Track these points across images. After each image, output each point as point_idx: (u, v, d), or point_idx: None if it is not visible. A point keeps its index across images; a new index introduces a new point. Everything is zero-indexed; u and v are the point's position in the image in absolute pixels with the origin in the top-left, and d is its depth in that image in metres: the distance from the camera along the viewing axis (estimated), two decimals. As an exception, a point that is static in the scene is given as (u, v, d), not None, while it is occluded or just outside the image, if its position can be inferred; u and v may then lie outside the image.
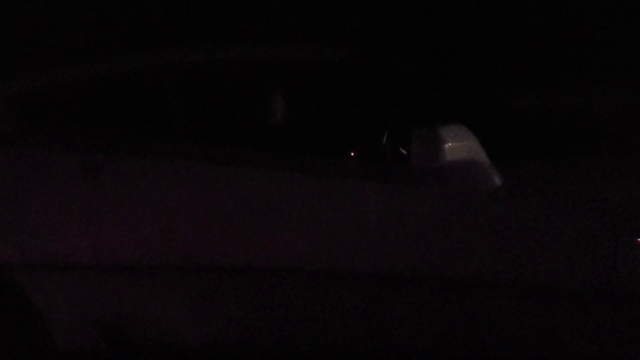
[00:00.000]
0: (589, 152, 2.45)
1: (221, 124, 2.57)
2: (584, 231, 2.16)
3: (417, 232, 2.21)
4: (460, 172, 2.16)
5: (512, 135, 2.57)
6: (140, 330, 2.40)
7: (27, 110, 2.57)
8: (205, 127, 2.56)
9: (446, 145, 2.10)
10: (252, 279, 2.32)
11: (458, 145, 2.12)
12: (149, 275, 2.35)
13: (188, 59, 2.68)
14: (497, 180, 2.20)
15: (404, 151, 2.30)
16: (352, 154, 2.42)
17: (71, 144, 2.42)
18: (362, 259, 2.24)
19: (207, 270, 2.32)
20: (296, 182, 2.29)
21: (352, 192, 2.26)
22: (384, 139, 2.42)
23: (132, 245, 2.33)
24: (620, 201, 2.20)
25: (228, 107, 2.61)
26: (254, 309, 2.34)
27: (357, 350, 2.31)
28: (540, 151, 2.42)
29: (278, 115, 2.68)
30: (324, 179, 2.28)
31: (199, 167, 2.34)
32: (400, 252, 2.21)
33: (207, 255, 2.31)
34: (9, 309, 2.42)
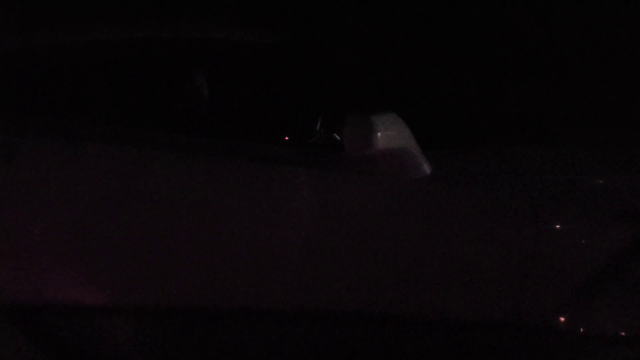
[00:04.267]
0: (514, 143, 2.52)
1: (147, 106, 2.48)
2: (508, 218, 2.24)
3: (349, 219, 2.23)
4: (392, 160, 2.20)
5: (442, 125, 2.62)
6: None
7: None
8: (129, 109, 2.46)
9: (378, 134, 2.12)
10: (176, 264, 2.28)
11: (390, 133, 2.14)
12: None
13: (110, 36, 2.55)
14: (427, 169, 2.25)
15: (338, 137, 2.31)
16: (286, 138, 2.41)
17: None
18: (294, 247, 2.25)
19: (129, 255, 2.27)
20: (227, 168, 2.26)
21: (285, 179, 2.26)
22: (318, 125, 2.43)
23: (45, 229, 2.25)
24: (542, 190, 2.29)
25: (155, 89, 2.52)
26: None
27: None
28: (468, 141, 2.48)
29: (209, 99, 2.57)
30: (256, 165, 2.26)
31: (119, 150, 2.27)
32: (331, 239, 2.24)
33: (130, 242, 2.25)
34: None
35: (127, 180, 2.23)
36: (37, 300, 2.29)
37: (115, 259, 2.25)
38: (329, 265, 2.24)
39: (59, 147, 2.27)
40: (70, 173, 2.25)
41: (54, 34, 2.54)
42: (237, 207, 2.24)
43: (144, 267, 2.25)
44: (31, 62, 2.48)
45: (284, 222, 2.24)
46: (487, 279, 2.25)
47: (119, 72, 2.51)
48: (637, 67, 4.31)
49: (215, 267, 2.24)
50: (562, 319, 2.26)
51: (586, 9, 4.54)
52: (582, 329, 2.26)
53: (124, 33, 2.57)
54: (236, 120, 2.49)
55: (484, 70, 4.29)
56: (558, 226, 2.25)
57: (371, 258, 2.24)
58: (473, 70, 4.22)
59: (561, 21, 4.56)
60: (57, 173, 2.25)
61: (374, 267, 2.24)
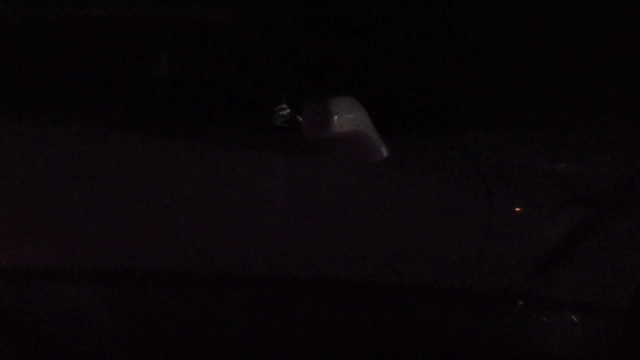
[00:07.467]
0: (471, 126, 2.56)
1: (106, 85, 2.44)
2: (462, 201, 2.30)
3: (309, 201, 2.25)
4: (349, 143, 2.22)
5: (399, 108, 2.65)
6: None
7: None
8: (89, 88, 2.41)
9: (335, 117, 2.13)
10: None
11: (347, 117, 2.16)
12: None
13: (70, 13, 2.48)
14: (384, 152, 2.29)
15: (300, 119, 2.33)
16: (249, 118, 2.41)
17: None
18: (254, 231, 2.24)
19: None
20: (186, 150, 2.24)
21: (249, 160, 2.25)
22: (282, 106, 2.44)
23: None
24: (498, 173, 2.35)
25: (113, 68, 2.47)
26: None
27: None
28: (425, 125, 2.52)
29: (167, 78, 2.54)
30: (216, 148, 2.25)
31: (81, 131, 2.21)
32: (294, 219, 2.25)
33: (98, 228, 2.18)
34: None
35: (93, 159, 2.17)
36: None
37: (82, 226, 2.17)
38: (293, 243, 2.25)
39: (22, 127, 2.22)
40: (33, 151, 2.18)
41: (13, 10, 2.50)
42: (200, 188, 2.21)
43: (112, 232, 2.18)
44: None
45: (248, 203, 2.22)
46: (442, 259, 2.31)
47: (78, 51, 2.47)
48: (595, 51, 4.37)
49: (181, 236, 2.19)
50: (518, 297, 2.35)
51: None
52: (535, 305, 2.35)
53: (83, 11, 2.52)
54: (198, 101, 2.48)
55: (441, 53, 4.32)
56: (516, 209, 2.32)
57: (333, 237, 2.26)
58: (431, 54, 4.25)
59: (519, 3, 4.59)
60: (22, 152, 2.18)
61: (335, 245, 2.26)
